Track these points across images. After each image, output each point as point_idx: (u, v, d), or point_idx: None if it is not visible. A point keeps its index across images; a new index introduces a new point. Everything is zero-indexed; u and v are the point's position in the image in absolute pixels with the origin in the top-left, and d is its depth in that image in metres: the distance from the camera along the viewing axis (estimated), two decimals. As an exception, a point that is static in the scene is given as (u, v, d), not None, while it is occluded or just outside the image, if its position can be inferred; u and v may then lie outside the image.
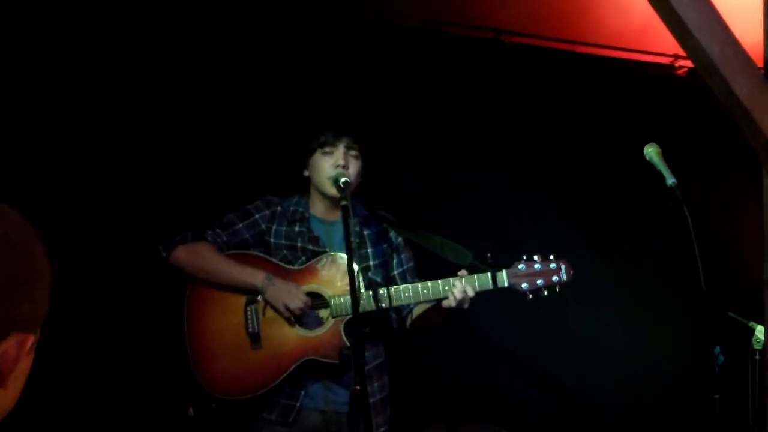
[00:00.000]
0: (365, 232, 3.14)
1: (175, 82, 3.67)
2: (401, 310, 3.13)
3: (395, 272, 3.18)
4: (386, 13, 3.97)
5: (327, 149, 3.03)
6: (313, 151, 3.06)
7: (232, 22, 3.77)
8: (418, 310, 3.12)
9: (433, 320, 3.10)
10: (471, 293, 2.92)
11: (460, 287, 2.92)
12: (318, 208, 3.14)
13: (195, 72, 3.71)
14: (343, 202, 2.82)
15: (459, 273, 2.96)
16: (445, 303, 2.94)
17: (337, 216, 3.11)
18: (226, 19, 3.76)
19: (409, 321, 3.15)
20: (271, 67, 3.86)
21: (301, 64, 3.89)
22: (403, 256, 3.21)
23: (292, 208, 3.12)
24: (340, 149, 3.03)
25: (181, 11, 3.67)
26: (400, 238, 3.22)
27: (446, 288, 2.93)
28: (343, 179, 2.91)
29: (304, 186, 3.19)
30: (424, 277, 3.08)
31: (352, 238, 3.07)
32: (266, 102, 3.83)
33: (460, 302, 2.91)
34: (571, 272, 3.00)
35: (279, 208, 3.12)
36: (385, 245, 3.16)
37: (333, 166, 3.01)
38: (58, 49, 3.47)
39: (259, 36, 3.83)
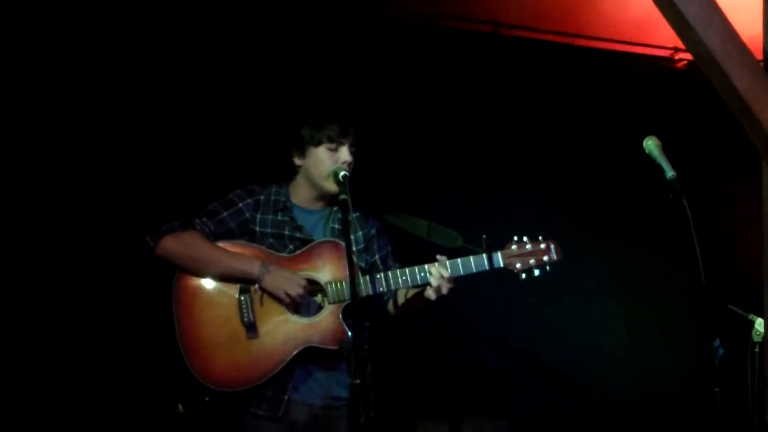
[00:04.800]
0: (348, 218, 3.13)
1: (158, 73, 3.65)
2: (383, 296, 3.14)
3: (377, 256, 3.18)
4: (386, 7, 3.96)
5: (332, 146, 3.02)
6: (316, 143, 3.03)
7: (228, 15, 3.76)
8: (402, 295, 3.14)
9: (421, 303, 3.10)
10: (446, 274, 2.95)
11: (436, 273, 2.95)
12: (300, 197, 3.12)
13: (178, 64, 3.69)
14: (343, 196, 2.82)
15: (438, 257, 2.99)
16: (425, 293, 2.98)
17: (319, 205, 3.13)
18: (224, 11, 3.76)
19: (390, 306, 3.18)
20: (270, 58, 3.85)
21: (301, 56, 3.88)
22: (382, 240, 3.22)
23: (273, 198, 3.10)
24: (346, 147, 3.04)
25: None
26: (378, 223, 3.23)
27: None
28: (342, 173, 2.91)
29: (281, 174, 3.16)
30: (409, 261, 3.09)
31: (336, 225, 3.10)
32: (254, 92, 3.81)
33: (437, 289, 2.95)
34: (561, 251, 3.08)
35: (262, 196, 3.09)
36: (365, 230, 3.17)
37: (336, 162, 3.01)
38: (37, 43, 3.46)
39: (258, 29, 3.82)
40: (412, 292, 3.09)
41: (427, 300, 2.99)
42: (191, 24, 3.68)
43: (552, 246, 3.08)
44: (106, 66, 3.57)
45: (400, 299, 3.15)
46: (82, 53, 3.53)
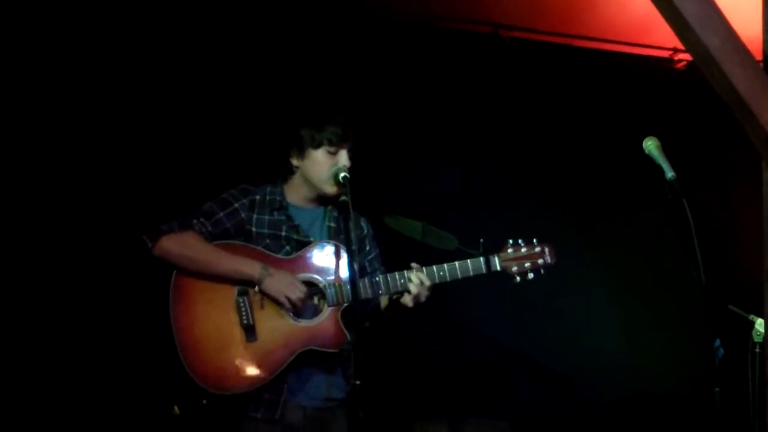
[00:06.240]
0: (341, 218, 3.13)
1: (155, 73, 3.66)
2: (375, 299, 3.13)
3: (366, 259, 3.18)
4: (385, 8, 3.96)
5: (332, 149, 3.01)
6: (316, 145, 3.01)
7: (228, 14, 3.77)
8: (386, 300, 3.13)
9: (401, 309, 3.09)
10: (428, 283, 2.97)
11: (416, 280, 2.95)
12: (296, 196, 3.11)
13: (176, 64, 3.70)
14: (343, 198, 2.81)
15: (412, 265, 2.99)
16: (402, 300, 2.99)
17: (314, 205, 3.13)
18: (224, 10, 3.76)
19: (380, 309, 3.17)
20: (268, 59, 3.85)
21: (299, 56, 3.89)
22: (372, 242, 3.22)
23: (268, 197, 3.08)
24: (345, 151, 3.03)
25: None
26: (368, 224, 3.23)
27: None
28: (342, 174, 2.92)
29: (275, 173, 3.15)
30: (401, 263, 3.07)
31: (332, 224, 3.11)
32: (251, 92, 3.82)
33: (416, 297, 2.96)
34: (555, 255, 3.10)
35: (257, 196, 3.08)
36: (357, 231, 3.16)
37: (334, 165, 3.00)
38: (32, 44, 3.46)
39: (256, 29, 3.83)
40: (396, 296, 3.07)
41: (405, 306, 3.00)
42: (189, 23, 3.69)
43: (546, 249, 3.09)
44: (103, 67, 3.58)
45: (383, 304, 3.15)
46: (76, 55, 3.53)
